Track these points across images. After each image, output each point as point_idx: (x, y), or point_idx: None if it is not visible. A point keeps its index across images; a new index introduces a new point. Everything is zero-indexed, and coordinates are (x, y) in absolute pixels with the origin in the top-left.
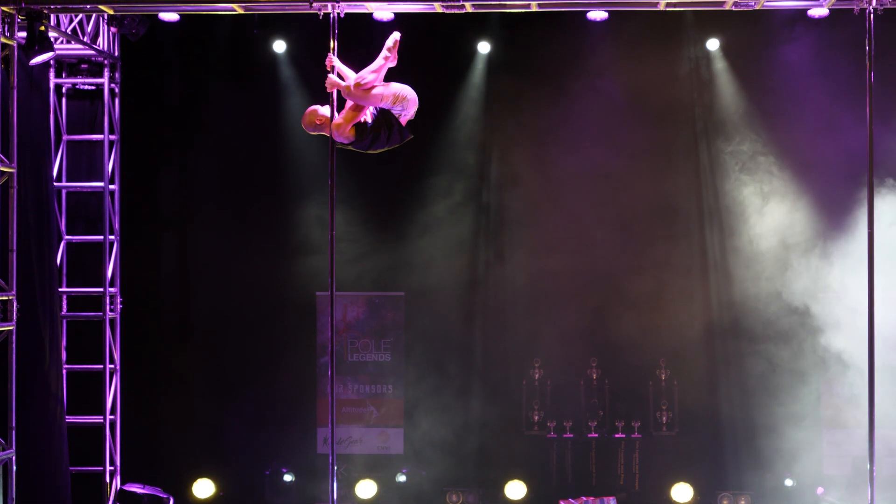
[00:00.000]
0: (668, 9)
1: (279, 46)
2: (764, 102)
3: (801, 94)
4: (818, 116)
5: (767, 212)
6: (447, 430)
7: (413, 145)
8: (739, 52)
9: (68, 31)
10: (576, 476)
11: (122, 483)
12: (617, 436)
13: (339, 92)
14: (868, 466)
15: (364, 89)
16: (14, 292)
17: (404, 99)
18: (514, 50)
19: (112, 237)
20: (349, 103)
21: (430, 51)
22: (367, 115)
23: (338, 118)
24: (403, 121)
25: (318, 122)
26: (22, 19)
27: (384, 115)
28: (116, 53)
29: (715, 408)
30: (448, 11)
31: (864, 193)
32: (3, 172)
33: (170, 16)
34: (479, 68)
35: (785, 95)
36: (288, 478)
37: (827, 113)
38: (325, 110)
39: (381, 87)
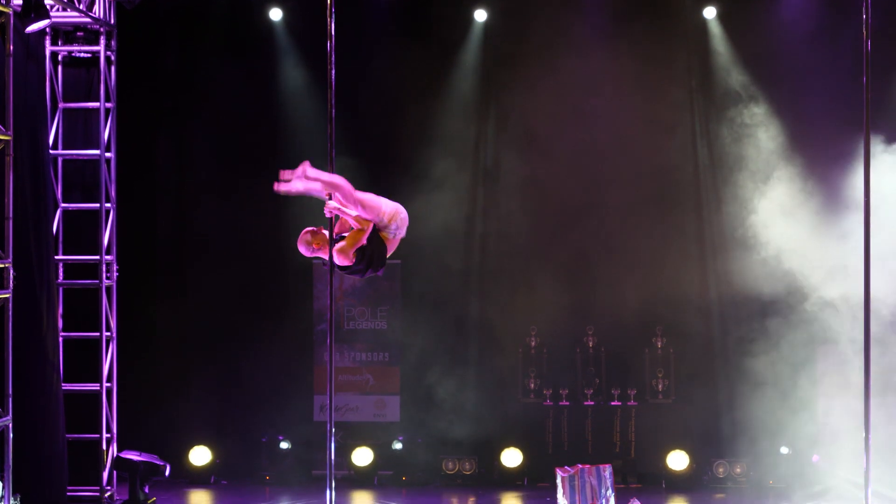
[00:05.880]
0: None
1: (275, 14)
2: (760, 70)
3: (797, 61)
4: (816, 83)
5: (765, 181)
6: (443, 398)
7: (409, 115)
8: (736, 20)
9: None
10: (572, 444)
11: (119, 450)
12: (613, 403)
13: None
14: (863, 434)
15: (358, 199)
16: (10, 260)
17: (398, 217)
18: (511, 18)
19: (108, 205)
20: (350, 225)
21: (427, 19)
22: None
23: (341, 243)
24: (396, 241)
25: (316, 247)
26: None
27: (377, 237)
28: (112, 21)
29: (711, 375)
30: None
31: (862, 161)
32: None
33: None
34: (475, 36)
35: (781, 63)
36: (284, 445)
37: (825, 79)
38: (322, 233)
39: (381, 201)
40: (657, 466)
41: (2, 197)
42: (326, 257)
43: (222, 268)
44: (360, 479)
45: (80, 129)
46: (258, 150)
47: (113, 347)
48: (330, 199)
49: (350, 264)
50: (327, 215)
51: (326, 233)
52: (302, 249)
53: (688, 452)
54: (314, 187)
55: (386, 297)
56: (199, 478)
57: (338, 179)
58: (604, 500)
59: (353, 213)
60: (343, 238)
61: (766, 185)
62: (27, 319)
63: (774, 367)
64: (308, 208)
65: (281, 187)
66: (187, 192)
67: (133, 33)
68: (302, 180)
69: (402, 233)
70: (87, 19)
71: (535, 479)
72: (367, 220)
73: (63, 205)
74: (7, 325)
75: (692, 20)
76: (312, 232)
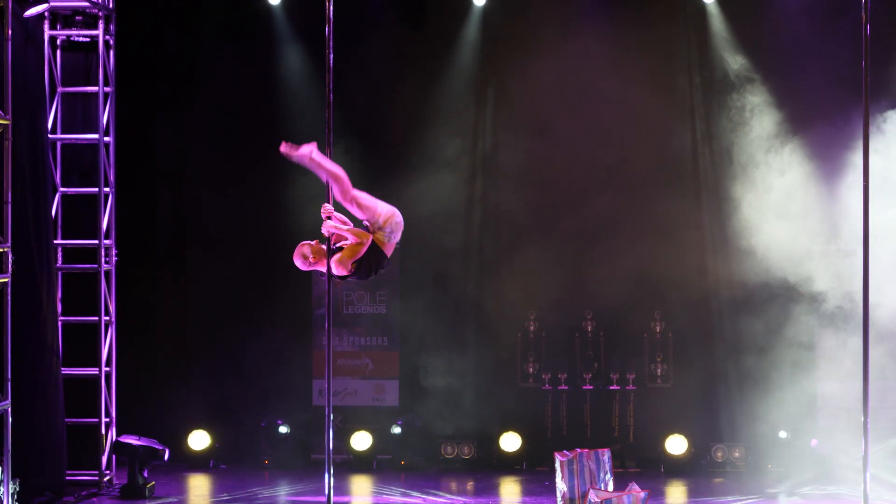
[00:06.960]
0: None
1: None
2: (760, 55)
3: (797, 45)
4: (815, 67)
5: (765, 166)
6: (442, 383)
7: (408, 99)
8: (735, 5)
9: None
10: (570, 428)
11: (118, 435)
12: (612, 388)
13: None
14: (862, 419)
15: (352, 196)
16: (9, 244)
17: (393, 221)
18: (509, 2)
19: (107, 189)
20: (350, 240)
21: (426, 3)
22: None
23: (338, 254)
24: (391, 246)
25: (313, 261)
26: None
27: (373, 246)
28: (111, 5)
29: (709, 360)
30: None
31: (860, 144)
32: None
33: None
34: (474, 20)
35: (781, 48)
36: (283, 429)
37: (824, 64)
38: (319, 245)
39: (377, 202)
40: (656, 451)
41: (0, 181)
42: (323, 270)
43: (221, 252)
44: (359, 463)
45: (79, 114)
46: (257, 133)
47: (112, 332)
48: (329, 192)
49: (348, 274)
50: (325, 234)
51: (324, 247)
52: (298, 263)
53: (686, 437)
54: (315, 170)
55: (385, 281)
56: (199, 462)
57: (339, 171)
58: (602, 485)
59: (352, 239)
60: (340, 249)
61: (767, 170)
62: (26, 304)
63: (773, 352)
64: (308, 195)
65: (286, 150)
66: (186, 176)
67: (132, 17)
68: (305, 161)
69: (397, 237)
70: (86, 3)
71: (533, 463)
72: (364, 233)
73: (62, 189)
74: (6, 309)
75: (692, 3)
76: (309, 246)
